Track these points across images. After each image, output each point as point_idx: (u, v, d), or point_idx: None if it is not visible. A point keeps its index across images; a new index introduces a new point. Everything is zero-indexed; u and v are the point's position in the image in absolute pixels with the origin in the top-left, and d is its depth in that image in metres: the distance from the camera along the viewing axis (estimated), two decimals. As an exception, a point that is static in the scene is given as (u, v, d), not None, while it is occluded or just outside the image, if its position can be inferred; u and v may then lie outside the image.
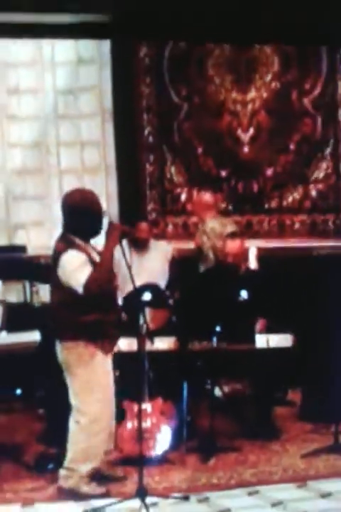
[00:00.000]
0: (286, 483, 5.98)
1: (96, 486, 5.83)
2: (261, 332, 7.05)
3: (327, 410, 6.79)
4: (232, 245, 7.41)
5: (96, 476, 5.85)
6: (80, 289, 5.60)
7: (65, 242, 5.73)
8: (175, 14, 4.91)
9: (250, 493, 5.83)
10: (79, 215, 5.74)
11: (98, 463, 5.84)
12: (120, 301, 6.13)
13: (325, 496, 5.71)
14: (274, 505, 5.61)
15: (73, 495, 5.75)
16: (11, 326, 6.64)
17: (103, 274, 5.69)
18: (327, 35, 7.11)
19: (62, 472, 5.84)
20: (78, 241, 5.74)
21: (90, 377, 5.75)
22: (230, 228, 7.99)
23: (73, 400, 5.84)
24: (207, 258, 8.00)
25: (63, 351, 5.81)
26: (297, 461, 6.35)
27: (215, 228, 8.06)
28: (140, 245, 7.62)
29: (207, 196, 8.37)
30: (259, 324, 7.23)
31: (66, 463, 5.82)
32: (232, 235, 7.60)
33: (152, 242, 7.87)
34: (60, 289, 5.74)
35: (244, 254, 7.49)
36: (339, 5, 4.84)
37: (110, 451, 5.99)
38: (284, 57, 8.96)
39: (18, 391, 7.67)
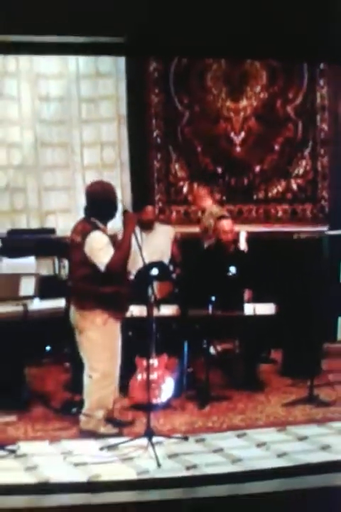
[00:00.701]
0: (269, 427, 6.01)
1: (112, 428, 5.88)
2: (248, 301, 7.04)
3: (303, 367, 6.81)
4: (227, 223, 7.39)
5: (111, 420, 5.89)
6: (102, 267, 5.61)
7: (90, 224, 5.75)
8: (179, 35, 4.86)
9: (239, 436, 5.87)
10: (99, 202, 5.76)
11: (110, 409, 5.88)
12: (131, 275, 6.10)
13: (302, 439, 5.74)
14: (259, 445, 5.64)
15: (92, 435, 5.79)
16: (43, 295, 6.62)
17: (124, 256, 5.71)
18: (308, 52, 7.07)
19: (82, 417, 5.88)
20: (99, 224, 5.76)
21: (102, 340, 5.75)
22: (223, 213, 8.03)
23: (85, 358, 5.85)
24: (210, 237, 7.97)
25: (78, 317, 5.82)
26: (278, 409, 6.38)
27: (217, 212, 8.07)
28: (146, 226, 7.57)
29: (204, 189, 8.38)
30: (247, 295, 7.23)
31: (84, 410, 5.85)
32: (223, 217, 7.59)
33: (157, 224, 7.84)
34: (83, 264, 5.72)
35: (234, 234, 7.45)
36: (317, 25, 4.78)
37: (118, 400, 6.01)
38: (271, 72, 8.93)
39: (48, 348, 7.70)
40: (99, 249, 5.65)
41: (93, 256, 5.65)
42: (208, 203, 8.30)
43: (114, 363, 5.85)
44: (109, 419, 5.90)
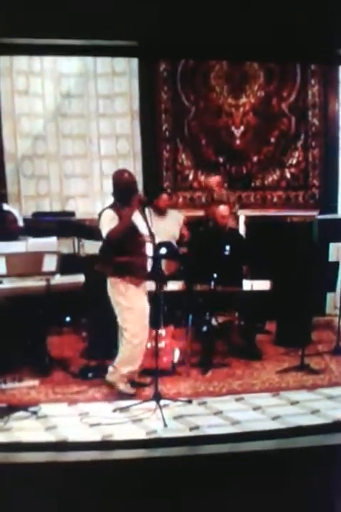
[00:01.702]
0: (264, 392, 5.91)
1: (130, 388, 5.83)
2: (246, 277, 6.91)
3: (295, 338, 6.69)
4: (224, 209, 7.24)
5: (131, 381, 5.87)
6: (104, 236, 5.74)
7: (109, 205, 5.85)
8: (185, 39, 4.80)
9: (237, 400, 5.78)
10: (116, 187, 5.88)
11: (135, 368, 5.83)
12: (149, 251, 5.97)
13: (294, 403, 5.66)
14: (255, 409, 5.56)
15: (111, 388, 5.82)
16: (63, 271, 6.50)
17: (120, 228, 5.70)
18: (301, 53, 7.00)
19: (109, 368, 5.88)
20: (118, 205, 5.79)
21: (127, 304, 5.78)
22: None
23: (119, 320, 5.84)
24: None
25: (109, 285, 5.84)
26: (272, 376, 6.27)
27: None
28: (160, 212, 7.47)
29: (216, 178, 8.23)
30: (245, 271, 7.10)
31: (114, 362, 5.86)
32: (221, 203, 7.47)
33: (168, 210, 7.72)
34: (101, 237, 5.83)
35: (229, 218, 7.30)
36: (308, 27, 4.68)
37: (142, 364, 5.91)
38: (268, 72, 8.81)
39: (68, 318, 7.61)
40: (105, 222, 5.76)
41: (101, 228, 5.78)
42: (223, 191, 8.21)
43: (140, 325, 5.80)
44: (131, 380, 5.86)
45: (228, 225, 7.27)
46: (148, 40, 4.79)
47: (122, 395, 5.75)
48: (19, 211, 7.95)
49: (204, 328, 6.65)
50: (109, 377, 5.87)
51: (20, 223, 7.17)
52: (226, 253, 6.69)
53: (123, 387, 5.82)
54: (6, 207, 7.35)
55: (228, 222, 7.26)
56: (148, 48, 5.15)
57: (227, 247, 6.68)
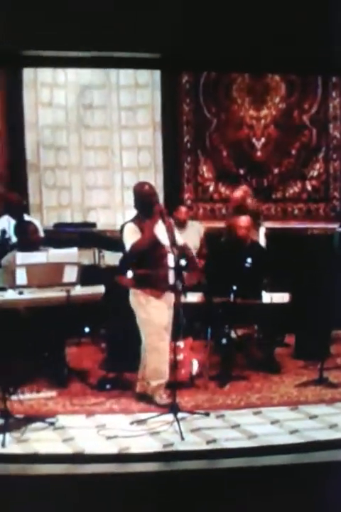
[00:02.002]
0: (282, 406, 5.86)
1: (165, 398, 5.81)
2: (265, 290, 6.85)
3: (314, 351, 6.63)
4: (242, 220, 7.17)
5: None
6: (127, 249, 5.78)
7: (131, 219, 5.89)
8: (208, 51, 4.81)
9: (255, 413, 5.74)
10: (136, 199, 5.92)
11: (164, 381, 5.82)
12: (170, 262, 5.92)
13: (312, 417, 5.60)
14: (273, 422, 5.52)
15: (147, 399, 5.85)
16: (84, 282, 6.48)
17: (143, 241, 5.72)
18: (323, 66, 6.99)
19: (139, 382, 5.92)
20: (140, 217, 5.82)
21: (146, 316, 5.79)
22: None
23: (141, 332, 5.86)
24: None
25: (130, 296, 5.87)
26: (291, 389, 6.21)
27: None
28: (180, 224, 7.44)
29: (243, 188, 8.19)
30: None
31: (138, 375, 5.92)
32: (241, 214, 7.36)
33: (189, 222, 7.73)
34: (124, 250, 5.91)
35: (248, 229, 7.15)
36: (330, 39, 4.66)
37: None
38: (289, 84, 8.76)
39: (87, 329, 7.60)
40: (127, 236, 5.80)
41: (124, 242, 5.81)
42: (249, 201, 8.17)
43: (159, 338, 5.79)
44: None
45: (249, 236, 7.16)
46: (171, 53, 4.82)
47: (159, 407, 5.73)
48: (40, 222, 8.01)
49: (223, 341, 6.60)
50: (138, 389, 5.90)
51: (42, 234, 7.21)
52: (248, 265, 6.64)
53: (158, 399, 5.82)
54: (27, 217, 7.40)
55: (249, 234, 7.16)
56: (171, 60, 5.18)
57: (249, 260, 6.63)
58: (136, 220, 5.83)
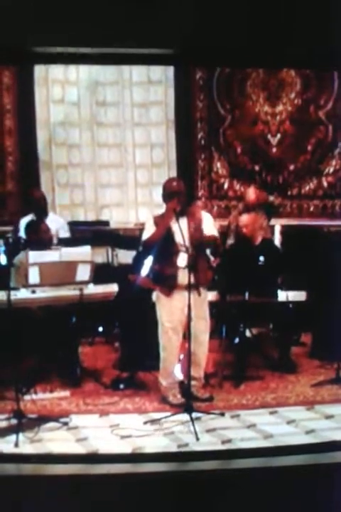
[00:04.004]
0: (298, 406, 5.83)
1: (180, 398, 5.81)
2: (281, 288, 6.83)
3: (331, 350, 6.56)
4: (243, 218, 7.11)
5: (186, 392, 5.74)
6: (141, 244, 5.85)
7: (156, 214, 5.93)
8: (221, 47, 4.82)
9: (271, 413, 5.72)
10: (163, 195, 5.89)
11: (173, 381, 5.84)
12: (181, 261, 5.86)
13: (328, 417, 5.57)
14: (289, 422, 5.49)
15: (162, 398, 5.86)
16: (97, 280, 6.49)
17: (155, 236, 5.73)
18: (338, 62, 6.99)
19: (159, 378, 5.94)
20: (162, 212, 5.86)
21: (159, 314, 5.84)
22: None
23: None
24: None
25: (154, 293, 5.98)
26: (307, 389, 6.18)
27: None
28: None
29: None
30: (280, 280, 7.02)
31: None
32: (246, 212, 7.31)
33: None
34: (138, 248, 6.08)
35: (256, 226, 7.05)
36: None
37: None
38: (305, 80, 8.78)
39: (100, 328, 7.63)
40: (145, 230, 5.85)
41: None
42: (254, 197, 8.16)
43: (167, 338, 5.80)
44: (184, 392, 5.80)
45: (256, 234, 7.01)
46: (184, 48, 4.82)
47: (173, 406, 5.73)
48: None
49: (238, 340, 6.59)
50: (160, 388, 5.92)
51: (67, 234, 7.23)
52: (260, 263, 6.62)
53: (171, 398, 5.82)
54: (52, 216, 7.44)
55: (255, 232, 7.04)
56: (184, 56, 5.18)
57: (261, 258, 6.61)
58: (158, 215, 5.86)
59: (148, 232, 5.78)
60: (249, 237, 6.94)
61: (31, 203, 7.54)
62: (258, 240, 6.99)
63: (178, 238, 5.69)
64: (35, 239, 6.63)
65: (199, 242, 5.78)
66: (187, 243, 5.66)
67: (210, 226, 5.93)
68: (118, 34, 4.56)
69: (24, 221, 7.24)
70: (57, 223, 7.50)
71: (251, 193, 7.83)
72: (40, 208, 7.39)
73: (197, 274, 5.72)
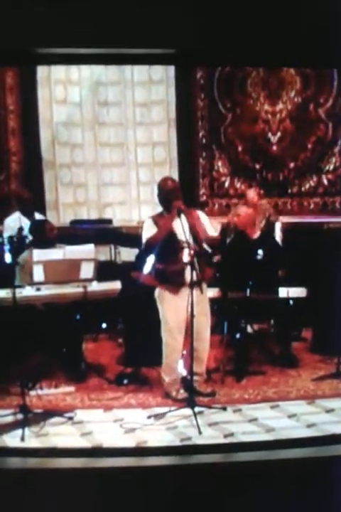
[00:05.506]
0: (299, 400, 5.87)
1: (182, 393, 5.80)
2: (282, 284, 6.86)
3: (331, 345, 6.60)
4: (241, 210, 7.15)
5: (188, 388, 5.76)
6: (143, 245, 5.85)
7: (153, 214, 5.99)
8: (222, 46, 4.83)
9: (272, 407, 5.76)
10: (158, 194, 5.96)
11: (175, 377, 5.85)
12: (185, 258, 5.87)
13: (329, 411, 5.60)
14: (290, 416, 5.53)
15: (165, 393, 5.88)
16: (100, 278, 6.52)
17: (157, 236, 5.77)
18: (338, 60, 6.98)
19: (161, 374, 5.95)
20: (161, 212, 5.89)
21: (162, 312, 5.86)
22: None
23: None
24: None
25: (155, 291, 5.94)
26: (308, 383, 6.22)
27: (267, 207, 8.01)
28: None
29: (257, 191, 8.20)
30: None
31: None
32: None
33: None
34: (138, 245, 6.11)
35: (252, 221, 7.05)
36: None
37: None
38: (304, 78, 8.79)
39: (104, 325, 7.66)
40: (144, 231, 5.86)
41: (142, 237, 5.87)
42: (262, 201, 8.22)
43: (169, 335, 5.82)
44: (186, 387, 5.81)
45: (252, 228, 6.97)
46: (185, 48, 4.83)
47: (176, 401, 5.74)
48: (57, 219, 8.06)
49: (239, 336, 6.63)
50: (163, 383, 5.94)
51: None
52: (259, 257, 6.64)
53: (174, 394, 5.84)
54: (38, 216, 7.44)
55: (252, 226, 6.98)
56: (185, 55, 5.19)
57: (260, 252, 6.64)
58: (156, 215, 5.90)
59: (149, 231, 5.80)
60: (243, 231, 6.95)
61: (20, 203, 7.56)
62: (256, 234, 7.00)
63: (181, 236, 5.73)
64: (40, 238, 6.67)
65: (199, 240, 5.81)
66: (190, 240, 5.70)
67: (207, 224, 5.97)
68: (119, 34, 4.55)
69: (10, 220, 7.32)
70: None
71: (252, 194, 7.88)
72: (28, 209, 7.41)
73: (201, 270, 5.76)
